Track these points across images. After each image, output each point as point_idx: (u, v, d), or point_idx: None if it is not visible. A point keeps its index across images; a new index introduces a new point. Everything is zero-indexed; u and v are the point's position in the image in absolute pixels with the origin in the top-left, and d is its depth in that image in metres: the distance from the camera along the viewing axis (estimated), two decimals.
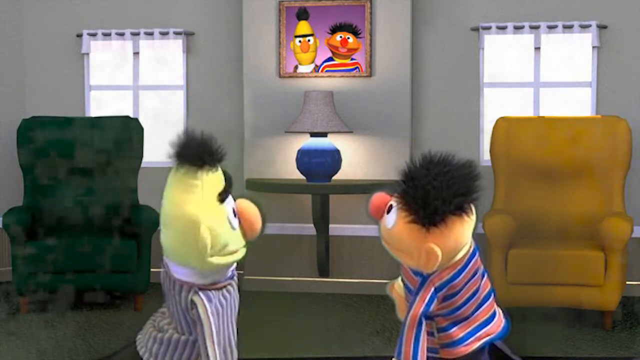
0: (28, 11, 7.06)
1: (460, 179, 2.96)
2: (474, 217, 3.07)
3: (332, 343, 5.03)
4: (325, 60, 6.45)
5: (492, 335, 3.20)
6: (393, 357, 4.77)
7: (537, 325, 5.51)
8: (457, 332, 3.16)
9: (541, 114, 6.52)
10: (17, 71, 7.06)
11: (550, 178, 5.95)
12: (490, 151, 6.02)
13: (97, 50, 6.88)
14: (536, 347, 4.96)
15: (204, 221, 2.95)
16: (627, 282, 6.42)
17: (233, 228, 3.07)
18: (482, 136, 6.58)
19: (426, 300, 3.07)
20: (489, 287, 3.22)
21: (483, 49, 6.47)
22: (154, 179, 6.96)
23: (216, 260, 3.02)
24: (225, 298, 3.16)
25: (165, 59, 6.98)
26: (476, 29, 6.44)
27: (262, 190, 6.06)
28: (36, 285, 5.65)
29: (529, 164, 5.93)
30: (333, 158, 6.03)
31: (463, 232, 3.02)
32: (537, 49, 6.44)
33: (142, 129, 6.28)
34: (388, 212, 3.12)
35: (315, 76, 6.46)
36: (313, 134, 6.08)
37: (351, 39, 6.40)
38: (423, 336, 3.07)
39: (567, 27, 6.31)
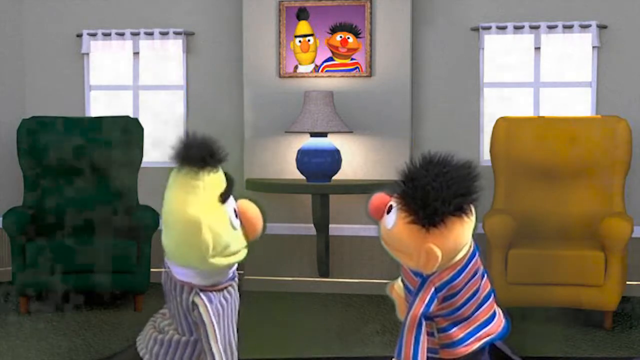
0: (28, 11, 7.06)
1: (460, 180, 2.96)
2: (473, 217, 3.07)
3: (332, 343, 5.03)
4: (325, 60, 6.45)
5: (492, 336, 3.20)
6: (393, 357, 4.77)
7: (537, 325, 5.51)
8: (457, 332, 3.16)
9: (541, 114, 6.52)
10: (17, 71, 7.06)
11: (550, 178, 5.95)
12: (490, 151, 6.02)
13: (97, 50, 6.88)
14: (536, 347, 4.96)
15: (205, 222, 2.95)
16: (627, 282, 6.42)
17: (234, 228, 3.07)
18: (482, 136, 6.58)
19: (426, 301, 3.07)
20: (488, 287, 3.22)
21: (483, 49, 6.47)
22: (154, 179, 6.96)
23: (218, 261, 3.02)
24: (226, 299, 3.16)
25: (165, 59, 6.98)
26: (476, 29, 6.44)
27: (262, 190, 6.06)
28: (36, 285, 5.65)
29: (529, 164, 5.93)
30: (333, 158, 6.03)
31: (463, 232, 3.02)
32: (537, 49, 6.44)
33: (142, 129, 6.28)
34: (388, 212, 3.12)
35: (315, 76, 6.46)
36: (313, 134, 6.08)
37: (351, 39, 6.40)
38: (423, 337, 3.07)
39: (567, 27, 6.31)
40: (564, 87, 6.46)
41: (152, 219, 5.77)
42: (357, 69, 6.41)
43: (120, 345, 4.96)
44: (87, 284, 5.69)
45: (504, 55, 6.59)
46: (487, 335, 3.20)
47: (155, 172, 6.97)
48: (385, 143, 6.43)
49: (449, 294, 3.10)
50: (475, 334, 3.18)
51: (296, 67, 6.48)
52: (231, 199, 3.11)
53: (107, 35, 6.87)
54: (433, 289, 3.08)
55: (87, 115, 7.03)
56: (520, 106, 6.59)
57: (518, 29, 6.37)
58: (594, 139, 5.83)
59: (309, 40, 6.46)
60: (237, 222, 3.09)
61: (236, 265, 3.24)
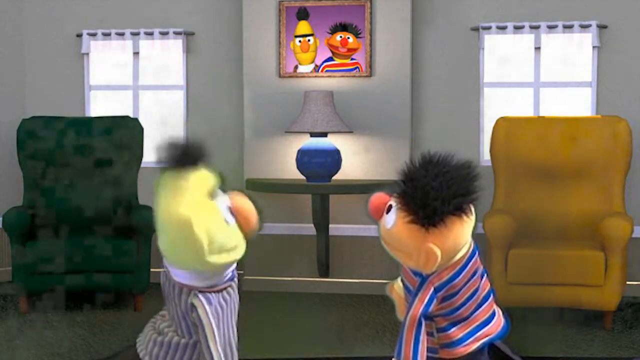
0: (28, 11, 7.06)
1: (460, 179, 2.96)
2: (473, 217, 3.07)
3: (332, 343, 5.03)
4: (325, 60, 6.45)
5: (491, 336, 3.20)
6: (393, 357, 4.77)
7: (537, 325, 5.51)
8: (456, 332, 3.16)
9: (541, 114, 6.51)
10: (17, 71, 7.06)
11: (550, 178, 5.95)
12: (490, 151, 6.01)
13: (97, 50, 6.88)
14: (536, 347, 4.96)
15: (196, 221, 2.95)
16: (627, 282, 6.42)
17: (228, 224, 3.06)
18: (482, 136, 6.57)
19: (425, 301, 3.07)
20: (488, 287, 3.22)
21: (483, 49, 6.47)
22: (154, 179, 6.96)
23: (216, 259, 3.01)
24: (225, 300, 3.16)
25: (165, 59, 6.98)
26: (476, 29, 6.44)
27: (262, 190, 6.06)
28: (36, 285, 5.65)
29: (529, 164, 5.93)
30: (333, 158, 6.03)
31: (462, 232, 3.02)
32: (537, 49, 6.44)
33: (142, 129, 6.28)
34: (387, 212, 3.12)
35: (315, 76, 6.46)
36: (313, 134, 6.08)
37: (351, 39, 6.40)
38: (423, 336, 3.07)
39: (567, 27, 6.31)
40: (564, 87, 6.45)
41: (152, 219, 5.77)
42: (357, 69, 6.41)
43: (120, 345, 4.97)
44: (87, 284, 5.70)
45: (504, 56, 6.59)
46: (487, 335, 3.20)
47: (155, 172, 6.97)
48: (385, 143, 6.43)
49: (448, 293, 3.10)
50: (475, 333, 3.18)
51: (296, 67, 6.48)
52: (222, 194, 3.11)
53: (107, 35, 6.87)
54: (432, 289, 3.08)
55: (87, 115, 7.03)
56: (520, 106, 6.58)
57: (518, 29, 6.37)
58: (594, 139, 5.83)
59: (309, 40, 6.46)
60: (230, 218, 3.08)
61: (235, 265, 3.24)
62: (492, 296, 3.25)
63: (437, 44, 6.57)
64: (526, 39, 6.37)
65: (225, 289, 3.17)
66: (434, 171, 2.96)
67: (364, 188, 5.96)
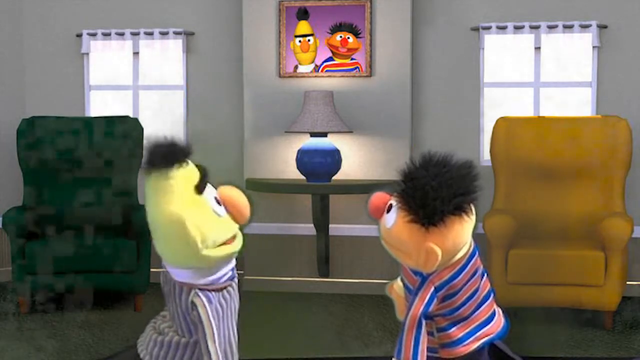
0: (28, 11, 7.06)
1: (459, 179, 2.96)
2: (473, 216, 3.07)
3: (332, 343, 5.03)
4: (325, 60, 6.45)
5: (491, 335, 3.20)
6: (393, 357, 4.77)
7: (537, 325, 5.51)
8: (456, 332, 3.16)
9: (541, 114, 6.51)
10: (17, 71, 7.06)
11: (550, 178, 5.94)
12: (490, 151, 6.01)
13: (97, 50, 6.88)
14: (536, 347, 4.96)
15: (187, 217, 2.95)
16: (627, 282, 6.42)
17: (219, 215, 3.06)
18: (482, 136, 6.57)
19: (426, 300, 3.07)
20: (488, 287, 3.22)
21: (483, 49, 6.47)
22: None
23: (212, 252, 3.01)
24: (225, 299, 3.16)
25: (165, 59, 6.98)
26: (476, 29, 6.44)
27: (262, 190, 6.05)
28: (36, 285, 5.65)
29: (529, 164, 5.93)
30: (333, 158, 6.03)
31: (462, 231, 3.02)
32: (537, 49, 6.44)
33: (142, 129, 6.28)
34: (388, 211, 3.12)
35: (315, 76, 6.46)
36: (313, 134, 6.08)
37: (351, 39, 6.40)
38: (423, 336, 3.07)
39: (567, 27, 6.31)
40: (564, 87, 6.45)
41: None
42: (357, 69, 6.41)
43: (120, 346, 4.96)
44: (87, 284, 5.69)
45: (504, 55, 6.59)
46: (487, 335, 3.20)
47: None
48: (385, 143, 6.42)
49: (448, 293, 3.10)
50: (475, 333, 3.18)
51: (296, 67, 6.48)
52: (209, 187, 3.11)
53: (107, 35, 6.87)
54: (433, 288, 3.08)
55: (87, 115, 7.03)
56: (520, 106, 6.58)
57: (518, 28, 6.37)
58: (594, 139, 5.83)
59: (309, 40, 6.45)
60: (221, 209, 3.08)
61: (235, 264, 3.24)
62: (492, 296, 3.25)
63: (437, 44, 6.57)
64: (526, 39, 6.37)
65: (225, 288, 3.17)
66: (434, 171, 2.96)
67: (364, 188, 5.96)
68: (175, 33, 6.81)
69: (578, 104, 6.50)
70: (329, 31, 6.43)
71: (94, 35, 6.87)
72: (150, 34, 6.82)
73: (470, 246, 3.15)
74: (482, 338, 3.18)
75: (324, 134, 6.09)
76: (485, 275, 3.23)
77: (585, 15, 6.37)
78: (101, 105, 7.06)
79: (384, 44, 6.41)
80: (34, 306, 6.00)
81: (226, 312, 3.15)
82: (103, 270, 5.69)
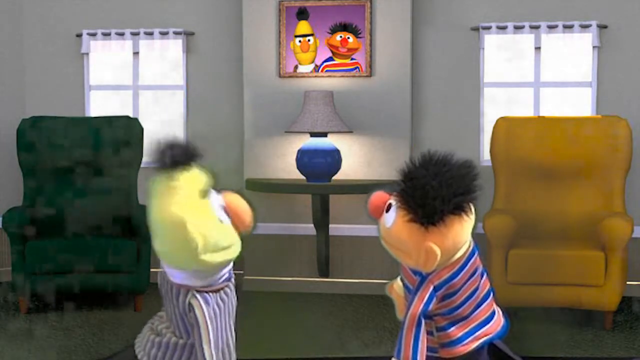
0: (28, 11, 7.06)
1: (459, 179, 2.96)
2: (473, 216, 3.07)
3: (332, 343, 5.03)
4: (325, 60, 6.45)
5: (491, 335, 3.20)
6: (393, 357, 4.76)
7: (537, 325, 5.51)
8: (455, 331, 3.16)
9: (541, 114, 6.51)
10: (17, 71, 7.06)
11: (550, 178, 5.94)
12: (490, 151, 6.01)
13: (97, 50, 6.88)
14: (536, 347, 4.96)
15: (190, 220, 2.95)
16: (627, 282, 6.41)
17: (222, 222, 3.06)
18: (482, 136, 6.57)
19: (425, 300, 3.06)
20: (488, 286, 3.22)
21: (483, 49, 6.47)
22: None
23: (210, 257, 3.01)
24: (222, 300, 3.15)
25: (165, 59, 6.98)
26: (476, 29, 6.44)
27: (262, 190, 6.05)
28: (36, 285, 5.65)
29: (529, 164, 5.92)
30: (333, 158, 6.03)
31: (462, 231, 3.02)
32: (537, 49, 6.44)
33: (142, 129, 6.28)
34: (387, 211, 3.12)
35: (315, 76, 6.46)
36: (313, 134, 6.08)
37: (351, 39, 6.40)
38: (422, 336, 3.06)
39: (568, 27, 6.31)
40: (564, 87, 6.45)
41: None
42: (357, 69, 6.41)
43: (120, 346, 4.96)
44: (86, 284, 5.69)
45: (504, 55, 6.59)
46: (486, 335, 3.20)
47: (155, 172, 6.96)
48: (385, 143, 6.42)
49: (447, 292, 3.10)
50: (474, 333, 3.18)
51: (296, 67, 6.48)
52: (214, 193, 3.11)
53: (106, 35, 6.87)
54: (432, 288, 3.08)
55: (87, 115, 7.03)
56: (520, 106, 6.58)
57: (518, 28, 6.37)
58: (594, 139, 5.83)
59: (309, 40, 6.45)
60: (224, 215, 3.08)
61: (232, 265, 3.23)
62: (491, 295, 3.25)
63: (437, 44, 6.57)
64: (526, 39, 6.37)
65: (222, 289, 3.16)
66: (433, 170, 2.96)
67: (364, 188, 5.96)
68: (175, 33, 6.81)
69: (578, 104, 6.50)
70: (329, 31, 6.43)
71: (94, 35, 6.87)
72: (150, 34, 6.82)
73: (469, 246, 3.15)
74: (481, 337, 3.18)
75: (324, 134, 6.09)
76: (485, 274, 3.23)
77: (585, 15, 6.37)
78: (101, 105, 7.06)
79: (384, 44, 6.41)
80: (34, 306, 6.00)
81: (224, 313, 3.15)
82: (103, 270, 5.69)
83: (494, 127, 6.02)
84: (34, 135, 6.17)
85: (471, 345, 3.15)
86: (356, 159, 6.46)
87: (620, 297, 5.32)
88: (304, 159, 6.02)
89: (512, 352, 3.41)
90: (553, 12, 6.42)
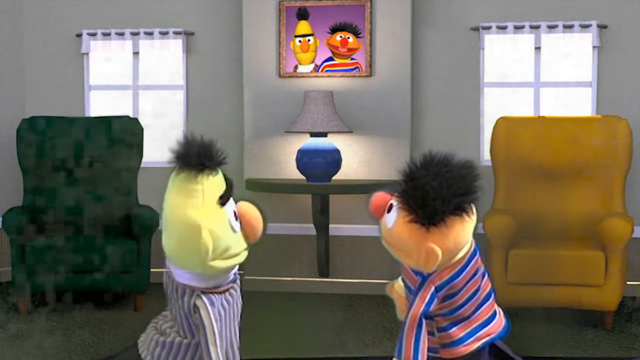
0: (28, 11, 7.06)
1: (460, 179, 2.96)
2: (474, 217, 3.07)
3: (332, 343, 5.03)
4: (325, 60, 6.45)
5: (492, 335, 3.20)
6: (393, 357, 4.77)
7: (537, 325, 5.51)
8: (457, 332, 3.16)
9: (541, 114, 6.51)
10: (17, 71, 7.06)
11: (550, 178, 5.95)
12: (490, 151, 6.01)
13: (97, 50, 6.88)
14: (536, 347, 4.96)
15: (205, 225, 2.94)
16: (628, 282, 6.42)
17: (234, 231, 3.06)
18: (482, 136, 6.57)
19: (426, 300, 3.07)
20: (489, 287, 3.22)
21: (483, 49, 6.47)
22: (154, 179, 6.96)
23: (218, 263, 3.02)
24: (227, 301, 3.15)
25: (165, 59, 6.98)
26: (476, 29, 6.44)
27: (262, 190, 6.05)
28: (36, 285, 5.65)
29: (529, 164, 5.93)
30: (333, 158, 6.03)
31: (463, 231, 3.02)
32: (537, 48, 6.44)
33: (142, 129, 6.28)
34: (388, 211, 3.12)
35: (315, 76, 6.46)
36: (313, 134, 6.08)
37: (351, 39, 6.40)
38: (423, 336, 3.07)
39: (568, 27, 6.31)
40: (564, 87, 6.45)
41: (152, 219, 5.77)
42: (357, 69, 6.41)
43: (120, 346, 4.96)
44: (87, 284, 5.69)
45: (504, 55, 6.59)
46: (487, 335, 3.20)
47: (155, 172, 6.97)
48: (385, 143, 6.42)
49: (449, 293, 3.10)
50: (476, 333, 3.18)
51: (296, 67, 6.48)
52: (231, 201, 3.11)
53: (106, 35, 6.87)
54: (433, 288, 3.08)
55: (87, 115, 7.03)
56: (520, 106, 6.58)
57: (518, 28, 6.37)
58: (594, 139, 5.83)
59: (309, 40, 6.45)
60: (237, 225, 3.09)
61: (237, 267, 3.23)
62: (493, 296, 3.25)
63: (437, 44, 6.57)
64: (526, 39, 6.37)
65: (227, 290, 3.17)
66: (434, 171, 2.96)
67: (364, 188, 5.96)
68: (175, 33, 6.81)
69: (578, 104, 6.50)
70: (329, 31, 6.43)
71: (93, 35, 6.87)
72: (150, 34, 6.82)
73: (471, 246, 3.15)
74: (482, 338, 3.18)
75: (324, 134, 6.09)
76: (486, 275, 3.23)
77: (585, 15, 6.37)
78: (101, 105, 7.06)
79: (384, 44, 6.41)
80: (34, 306, 6.00)
81: (228, 314, 3.15)
82: (103, 270, 5.68)
83: (494, 127, 6.02)
84: (34, 135, 6.17)
85: (472, 345, 3.15)
86: (356, 159, 6.46)
87: (620, 297, 5.32)
88: (304, 159, 6.02)
89: (512, 353, 3.41)
90: (553, 12, 6.42)
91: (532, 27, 6.35)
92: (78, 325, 5.45)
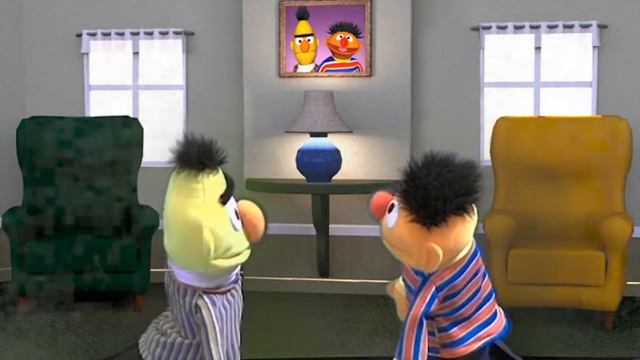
0: (28, 11, 7.05)
1: (462, 179, 2.96)
2: (475, 217, 3.07)
3: (332, 343, 5.03)
4: (325, 60, 6.45)
5: (493, 336, 3.20)
6: (393, 357, 4.77)
7: (538, 325, 5.51)
8: (457, 332, 3.16)
9: (541, 114, 6.51)
10: (17, 71, 7.06)
11: (550, 178, 5.95)
12: (491, 151, 6.01)
13: (96, 50, 6.88)
14: (537, 347, 4.96)
15: (206, 224, 2.94)
16: (628, 282, 6.42)
17: (236, 230, 3.06)
18: (482, 136, 6.57)
19: (427, 300, 3.07)
20: (490, 287, 3.22)
21: (483, 49, 6.47)
22: (154, 179, 6.96)
23: (220, 263, 3.01)
24: (229, 302, 3.16)
25: (165, 59, 6.97)
26: (476, 29, 6.44)
27: (262, 190, 6.05)
28: (36, 285, 5.65)
29: (529, 164, 5.93)
30: (333, 158, 6.03)
31: (464, 232, 3.02)
32: (537, 48, 6.44)
33: (142, 129, 6.28)
34: (389, 211, 3.12)
35: (315, 76, 6.46)
36: (313, 134, 6.08)
37: (351, 39, 6.40)
38: (424, 336, 3.07)
39: (568, 27, 6.31)
40: (564, 87, 6.46)
41: (152, 219, 5.76)
42: (357, 69, 6.41)
43: (120, 346, 4.96)
44: (87, 284, 5.69)
45: (504, 55, 6.59)
46: (488, 335, 3.20)
47: (155, 172, 6.97)
48: (385, 143, 6.42)
49: (449, 293, 3.10)
50: (476, 333, 3.18)
51: (296, 67, 6.48)
52: (232, 200, 3.11)
53: (106, 35, 6.87)
54: (434, 288, 3.08)
55: (87, 115, 7.03)
56: (520, 106, 6.59)
57: (518, 28, 6.37)
58: (595, 139, 5.83)
59: (309, 40, 6.45)
60: (238, 224, 3.08)
61: (239, 268, 3.23)
62: (493, 296, 3.25)
63: (437, 44, 6.57)
64: (526, 39, 6.37)
65: (229, 291, 3.17)
66: (436, 170, 2.96)
67: (364, 188, 5.96)
68: (175, 33, 6.81)
69: (578, 104, 6.50)
70: (329, 31, 6.43)
71: (93, 35, 6.87)
72: (150, 34, 6.82)
73: (472, 246, 3.15)
74: (483, 338, 3.18)
75: (324, 134, 6.09)
76: (487, 275, 3.23)
77: (585, 15, 6.37)
78: (101, 105, 7.06)
79: (384, 44, 6.41)
80: (34, 306, 6.00)
81: (230, 315, 3.15)
82: (103, 270, 5.68)
83: (494, 127, 6.02)
84: (34, 135, 6.17)
85: (473, 345, 3.15)
86: (356, 159, 6.46)
87: (620, 297, 5.32)
88: (304, 159, 6.02)
89: (513, 353, 3.41)
90: (553, 12, 6.42)
91: (532, 27, 6.35)
92: (78, 325, 5.45)
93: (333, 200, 6.52)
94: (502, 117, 6.04)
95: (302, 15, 6.42)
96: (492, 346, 3.42)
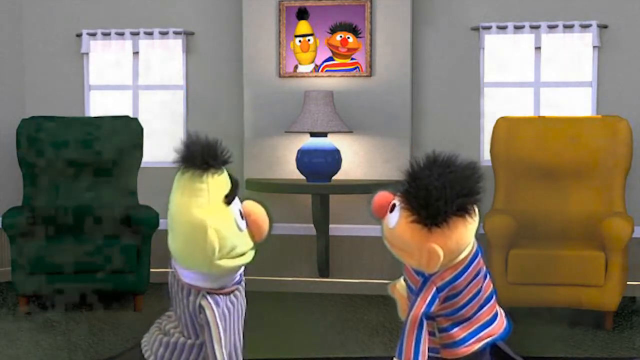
0: (28, 11, 7.05)
1: (463, 180, 2.96)
2: (476, 217, 3.07)
3: (332, 343, 5.03)
4: (325, 60, 6.45)
5: (494, 336, 3.20)
6: (394, 357, 4.77)
7: (538, 325, 5.51)
8: (458, 332, 3.16)
9: (541, 114, 6.52)
10: (17, 71, 7.05)
11: (550, 178, 5.95)
12: (491, 151, 6.02)
13: (96, 50, 6.88)
14: (537, 347, 4.96)
15: (211, 224, 2.94)
16: (628, 282, 6.42)
17: (240, 230, 3.06)
18: (482, 136, 6.58)
19: (428, 301, 3.07)
20: (491, 288, 3.22)
21: (483, 49, 6.47)
22: (154, 179, 6.96)
23: (224, 263, 3.01)
24: (232, 303, 3.15)
25: (165, 59, 6.97)
26: (476, 29, 6.44)
27: (262, 190, 6.05)
28: (36, 285, 5.64)
29: (529, 164, 5.93)
30: (333, 158, 6.03)
31: (465, 232, 3.02)
32: (538, 48, 6.44)
33: (142, 129, 6.28)
34: (391, 211, 3.12)
35: (315, 76, 6.46)
36: (313, 134, 6.08)
37: (351, 39, 6.40)
38: (424, 337, 3.07)
39: (568, 27, 6.31)
40: (564, 87, 6.46)
41: (152, 219, 5.76)
42: (357, 69, 6.41)
43: (120, 346, 4.96)
44: (86, 284, 5.69)
45: (504, 55, 6.59)
46: (489, 336, 3.20)
47: (155, 172, 6.96)
48: (385, 143, 6.42)
49: (450, 294, 3.10)
50: (477, 334, 3.18)
51: (296, 66, 6.48)
52: (236, 200, 3.10)
53: (106, 35, 6.87)
54: (435, 289, 3.08)
55: (86, 115, 7.02)
56: (520, 106, 6.59)
57: (518, 28, 6.37)
58: (595, 139, 5.83)
59: (309, 40, 6.45)
60: (242, 224, 3.08)
61: (243, 269, 3.23)
62: (494, 297, 3.25)
63: (437, 44, 6.57)
64: (526, 39, 6.37)
65: (232, 291, 3.17)
66: (437, 171, 2.96)
67: (364, 188, 5.96)
68: (175, 33, 6.81)
69: (578, 104, 6.51)
70: (329, 31, 6.43)
71: (93, 35, 6.87)
72: (150, 33, 6.82)
73: (473, 247, 3.15)
74: (484, 339, 3.18)
75: (324, 134, 6.09)
76: (488, 276, 3.23)
77: (585, 15, 6.37)
78: (101, 105, 7.06)
79: (384, 44, 6.41)
80: (34, 306, 5.99)
81: (233, 316, 3.15)
82: (103, 270, 5.68)
83: (494, 127, 6.02)
84: (34, 135, 6.17)
85: (474, 346, 3.15)
86: (356, 159, 6.46)
87: (620, 297, 5.33)
88: (304, 159, 6.02)
89: (513, 353, 3.41)
90: (553, 12, 6.42)
91: (532, 27, 6.35)
92: (78, 325, 5.45)
93: (333, 200, 6.52)
94: (502, 117, 6.04)
95: (302, 15, 6.42)
96: (493, 347, 3.42)
